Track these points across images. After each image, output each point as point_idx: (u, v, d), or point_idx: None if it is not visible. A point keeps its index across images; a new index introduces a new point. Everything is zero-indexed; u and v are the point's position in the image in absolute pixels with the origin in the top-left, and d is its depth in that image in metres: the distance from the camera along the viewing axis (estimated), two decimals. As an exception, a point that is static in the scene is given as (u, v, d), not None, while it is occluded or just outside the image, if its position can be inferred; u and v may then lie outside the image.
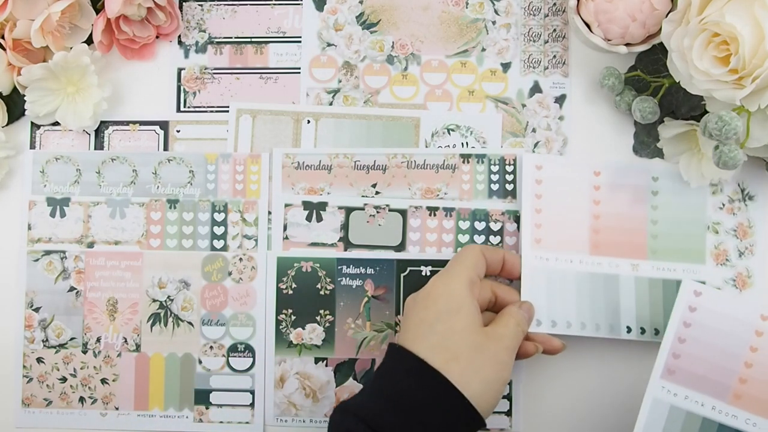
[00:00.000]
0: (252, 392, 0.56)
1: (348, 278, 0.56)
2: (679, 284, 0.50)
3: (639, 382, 0.52)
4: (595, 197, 0.55)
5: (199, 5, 0.59)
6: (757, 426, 0.47)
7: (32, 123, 0.58)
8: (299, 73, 0.58)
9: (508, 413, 0.55)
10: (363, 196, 0.56)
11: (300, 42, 0.58)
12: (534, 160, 0.55)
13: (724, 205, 0.55)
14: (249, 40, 0.58)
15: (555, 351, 0.51)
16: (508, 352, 0.46)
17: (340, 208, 0.56)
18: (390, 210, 0.56)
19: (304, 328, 0.56)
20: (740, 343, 0.48)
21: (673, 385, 0.48)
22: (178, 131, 0.58)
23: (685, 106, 0.53)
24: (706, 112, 0.49)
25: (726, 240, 0.55)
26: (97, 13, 0.55)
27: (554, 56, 0.57)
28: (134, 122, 0.58)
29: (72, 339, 0.56)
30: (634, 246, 0.54)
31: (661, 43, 0.50)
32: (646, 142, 0.55)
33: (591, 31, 0.53)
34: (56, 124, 0.57)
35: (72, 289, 0.56)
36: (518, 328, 0.47)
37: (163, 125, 0.58)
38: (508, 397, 0.55)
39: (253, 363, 0.56)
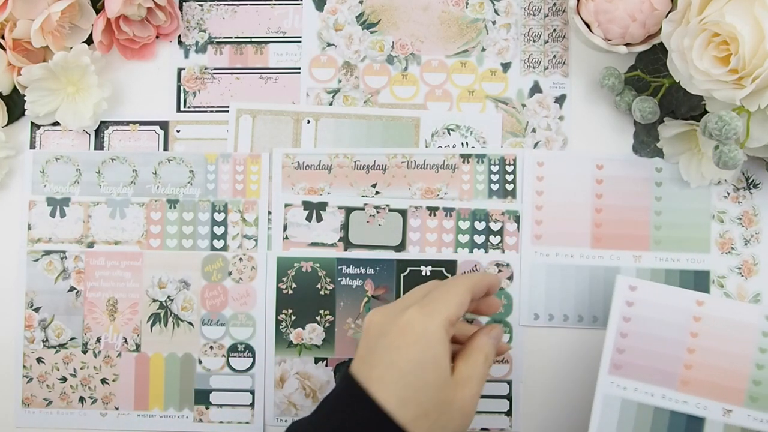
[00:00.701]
0: (252, 392, 0.56)
1: (348, 278, 0.56)
2: (682, 274, 0.50)
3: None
4: (597, 191, 0.55)
5: (199, 5, 0.59)
6: (708, 409, 0.48)
7: (32, 123, 0.58)
8: (299, 73, 0.58)
9: (508, 413, 0.55)
10: (363, 196, 0.56)
11: (300, 42, 0.58)
12: (535, 157, 0.55)
13: (729, 193, 0.55)
14: (249, 40, 0.58)
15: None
16: (475, 400, 0.43)
17: (340, 208, 0.56)
18: (390, 210, 0.56)
19: (304, 328, 0.56)
20: (680, 330, 0.49)
21: (622, 379, 0.49)
22: (178, 131, 0.58)
23: (685, 106, 0.53)
24: (706, 112, 0.49)
25: (731, 228, 0.55)
26: (97, 13, 0.55)
27: (554, 56, 0.57)
28: (134, 122, 0.58)
29: (72, 339, 0.56)
30: (637, 238, 0.54)
31: (661, 43, 0.50)
32: (646, 142, 0.55)
33: (591, 31, 0.53)
34: (56, 124, 0.57)
35: (72, 289, 0.56)
36: (487, 363, 0.45)
37: (163, 125, 0.58)
38: (508, 397, 0.55)
39: (253, 363, 0.56)
